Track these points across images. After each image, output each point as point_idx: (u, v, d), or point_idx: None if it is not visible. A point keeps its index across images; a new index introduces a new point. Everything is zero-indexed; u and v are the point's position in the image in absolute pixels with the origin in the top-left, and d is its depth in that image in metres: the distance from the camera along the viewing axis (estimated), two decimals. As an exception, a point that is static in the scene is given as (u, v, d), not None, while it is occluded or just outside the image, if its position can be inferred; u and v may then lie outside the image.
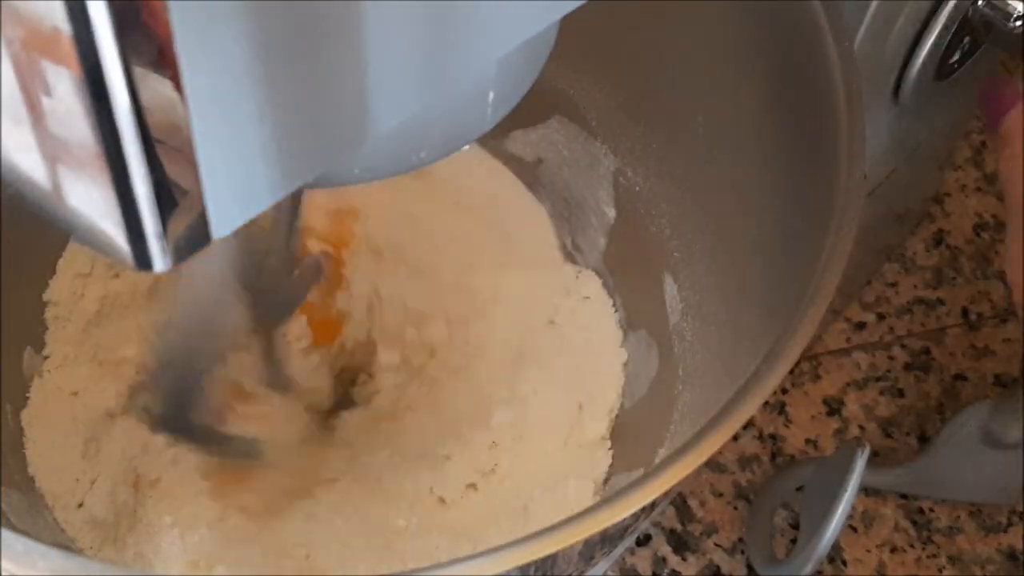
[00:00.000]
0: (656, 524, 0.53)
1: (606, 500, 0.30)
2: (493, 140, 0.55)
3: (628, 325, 0.52)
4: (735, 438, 0.56)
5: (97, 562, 0.25)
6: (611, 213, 0.52)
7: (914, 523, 0.54)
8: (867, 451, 0.46)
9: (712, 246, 0.46)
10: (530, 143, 0.54)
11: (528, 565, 0.31)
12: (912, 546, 0.53)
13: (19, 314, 0.49)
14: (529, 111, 0.53)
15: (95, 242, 0.20)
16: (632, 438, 0.49)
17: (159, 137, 0.19)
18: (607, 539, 0.38)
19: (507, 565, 0.29)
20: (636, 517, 0.38)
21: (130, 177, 0.19)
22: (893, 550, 0.53)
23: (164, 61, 0.18)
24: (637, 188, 0.51)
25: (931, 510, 0.54)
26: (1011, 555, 0.53)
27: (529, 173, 0.55)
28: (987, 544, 0.54)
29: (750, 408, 0.32)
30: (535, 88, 0.29)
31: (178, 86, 0.19)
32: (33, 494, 0.45)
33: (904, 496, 0.55)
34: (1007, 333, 0.60)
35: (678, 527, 0.53)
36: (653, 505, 0.43)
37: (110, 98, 0.18)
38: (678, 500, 0.54)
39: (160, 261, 0.19)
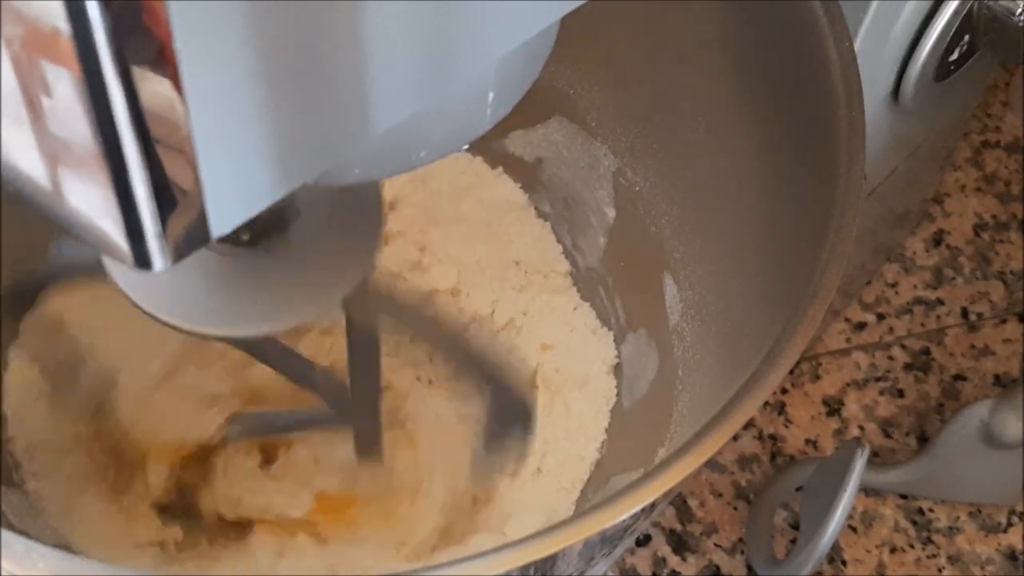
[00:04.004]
0: (656, 524, 0.53)
1: (606, 500, 0.30)
2: (493, 140, 0.55)
3: (628, 325, 0.52)
4: (735, 438, 0.56)
5: (97, 562, 0.25)
6: (611, 213, 0.52)
7: (914, 523, 0.54)
8: (867, 451, 0.46)
9: (712, 246, 0.46)
10: (530, 143, 0.54)
11: (528, 565, 0.31)
12: (912, 546, 0.53)
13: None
14: (529, 111, 0.53)
15: (94, 240, 0.20)
16: (632, 438, 0.49)
17: (158, 136, 0.19)
18: (607, 539, 0.38)
19: (507, 566, 0.29)
20: (636, 518, 0.38)
21: (129, 176, 0.19)
22: (893, 550, 0.53)
23: (163, 61, 0.18)
24: (637, 188, 0.51)
25: (931, 510, 0.54)
26: (1011, 555, 0.53)
27: (529, 173, 0.55)
28: (987, 544, 0.54)
29: (750, 408, 0.32)
30: (535, 88, 0.29)
31: (177, 85, 0.19)
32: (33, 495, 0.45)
33: (904, 496, 0.55)
34: (1007, 333, 0.60)
35: (678, 527, 0.53)
36: (653, 506, 0.43)
37: (109, 97, 0.18)
38: (678, 500, 0.54)
39: (159, 260, 0.19)
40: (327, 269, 0.32)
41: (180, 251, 0.19)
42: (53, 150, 0.20)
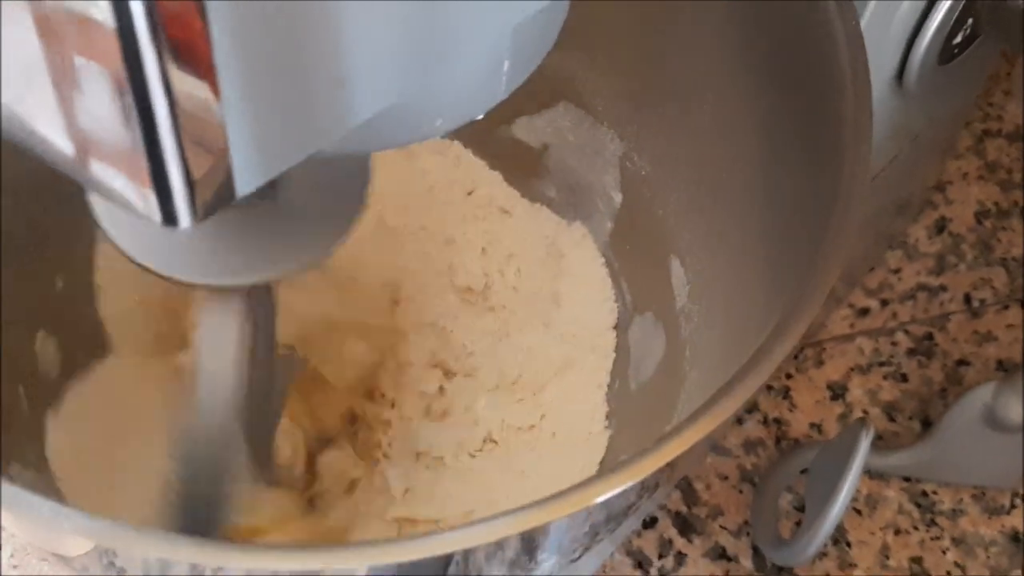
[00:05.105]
0: (662, 507, 0.54)
1: (602, 473, 0.31)
2: (500, 126, 0.55)
3: (635, 308, 0.52)
4: (739, 422, 0.56)
5: (120, 523, 0.26)
6: (617, 198, 0.53)
7: (918, 506, 0.54)
8: (871, 431, 0.47)
9: (718, 228, 0.46)
10: (536, 129, 0.54)
11: (530, 535, 0.31)
12: (916, 528, 0.54)
13: (29, 299, 0.49)
14: (535, 97, 0.54)
15: (119, 199, 0.20)
16: (639, 419, 0.49)
17: (187, 99, 0.19)
18: (611, 516, 0.38)
19: (503, 532, 0.29)
20: (638, 495, 0.38)
21: (159, 136, 0.19)
22: (897, 532, 0.54)
23: (193, 26, 0.19)
24: (643, 172, 0.51)
25: (934, 493, 0.55)
26: (1014, 537, 0.54)
27: (535, 159, 0.55)
28: (990, 526, 0.54)
29: (751, 385, 0.32)
30: (541, 74, 0.30)
31: (207, 51, 0.19)
32: (47, 473, 0.45)
33: (908, 479, 0.55)
34: (1009, 319, 0.60)
35: (684, 510, 0.54)
36: (656, 485, 0.44)
37: (143, 60, 0.18)
38: (684, 483, 0.54)
39: (186, 218, 0.20)
40: (314, 225, 0.32)
41: (207, 208, 0.20)
42: (80, 113, 0.20)
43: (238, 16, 0.19)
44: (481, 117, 0.26)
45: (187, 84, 0.19)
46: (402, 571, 0.29)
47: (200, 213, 0.20)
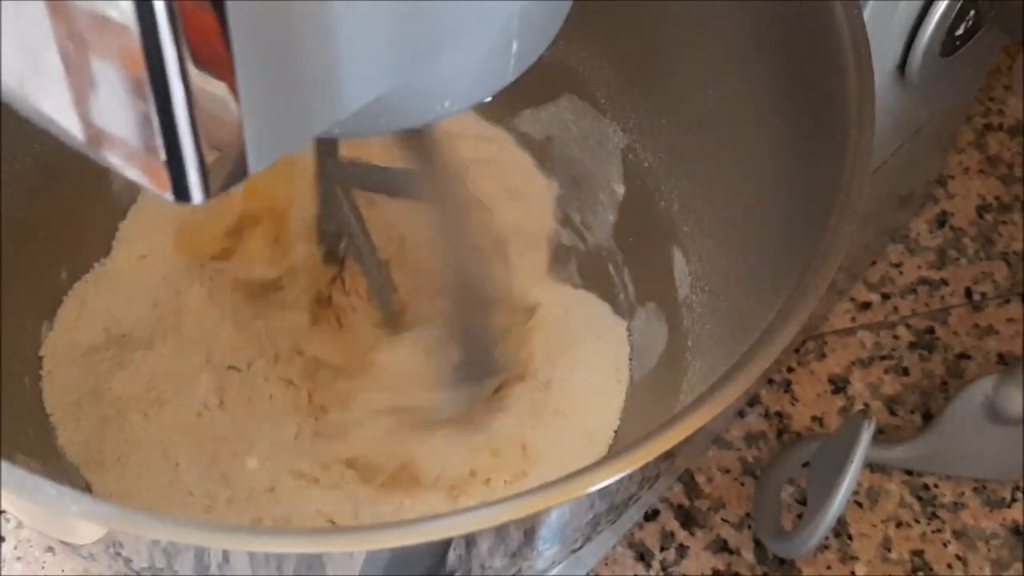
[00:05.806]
0: (664, 500, 0.54)
1: (603, 461, 0.31)
2: (503, 118, 0.55)
3: (637, 300, 0.53)
4: (741, 415, 0.56)
5: (126, 508, 0.26)
6: (620, 190, 0.53)
7: (919, 499, 0.55)
8: (873, 423, 0.47)
9: (721, 219, 0.46)
10: (540, 121, 0.55)
11: (531, 522, 0.32)
12: (917, 521, 0.54)
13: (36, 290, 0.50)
14: (539, 89, 0.54)
15: (131, 174, 0.21)
16: (642, 410, 0.49)
17: (202, 77, 0.19)
18: (613, 506, 0.38)
19: (501, 518, 0.29)
20: (640, 485, 0.38)
21: (174, 111, 0.19)
22: (898, 525, 0.54)
23: (212, 26, 0.19)
24: (646, 164, 0.51)
25: (936, 486, 0.55)
26: (1015, 530, 0.54)
27: (539, 151, 0.55)
28: (991, 520, 0.54)
29: (751, 374, 0.32)
30: (545, 66, 0.30)
31: (226, 49, 0.19)
32: (53, 463, 0.46)
33: (909, 472, 0.55)
34: (1010, 313, 0.60)
35: (686, 503, 0.54)
36: (657, 475, 0.44)
37: (163, 62, 0.18)
38: (685, 476, 0.55)
39: (198, 193, 0.20)
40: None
41: (220, 184, 0.20)
42: (94, 102, 0.21)
43: (248, 12, 0.19)
44: (489, 99, 0.26)
45: (204, 81, 0.19)
46: (399, 555, 0.29)
47: (212, 192, 0.20)
